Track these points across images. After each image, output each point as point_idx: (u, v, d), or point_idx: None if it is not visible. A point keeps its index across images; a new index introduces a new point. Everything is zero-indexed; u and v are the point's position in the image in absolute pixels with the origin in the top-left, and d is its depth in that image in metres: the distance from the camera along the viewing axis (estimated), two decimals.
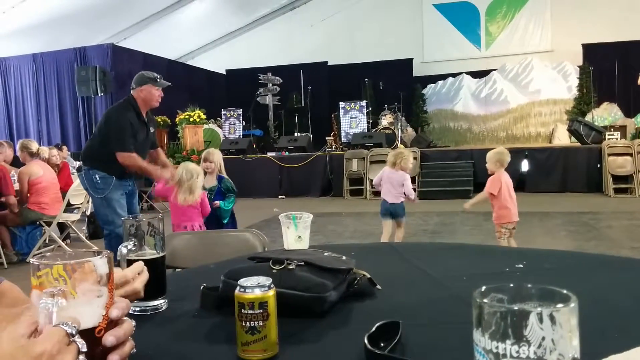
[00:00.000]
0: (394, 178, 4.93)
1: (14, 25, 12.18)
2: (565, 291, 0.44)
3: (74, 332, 0.57)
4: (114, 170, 3.81)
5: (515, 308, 0.42)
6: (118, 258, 0.99)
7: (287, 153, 11.29)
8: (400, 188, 4.90)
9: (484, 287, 0.46)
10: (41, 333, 0.57)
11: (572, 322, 0.42)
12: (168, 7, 14.05)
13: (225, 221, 4.33)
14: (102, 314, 0.62)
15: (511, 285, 0.47)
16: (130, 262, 1.03)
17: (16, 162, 5.99)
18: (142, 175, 3.96)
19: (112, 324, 0.63)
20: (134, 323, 0.67)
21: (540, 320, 0.42)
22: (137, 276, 0.89)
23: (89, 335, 0.60)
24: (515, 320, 0.43)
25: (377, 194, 10.26)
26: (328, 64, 15.05)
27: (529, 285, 0.46)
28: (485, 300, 0.44)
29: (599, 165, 9.57)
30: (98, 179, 3.78)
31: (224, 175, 4.51)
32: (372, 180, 10.22)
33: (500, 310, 0.43)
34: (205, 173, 4.23)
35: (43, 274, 0.60)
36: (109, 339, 0.61)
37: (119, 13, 13.08)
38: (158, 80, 3.86)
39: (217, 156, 4.50)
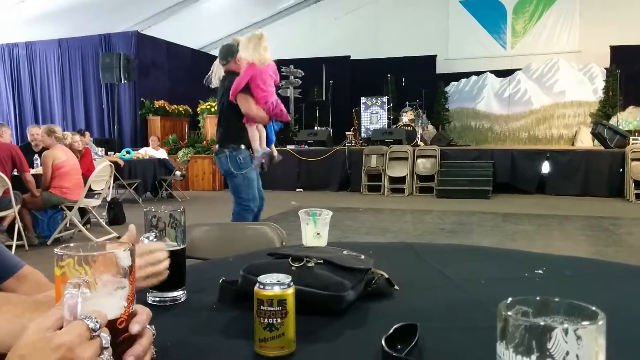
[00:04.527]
0: None
1: (41, 10, 12.33)
2: (594, 308, 0.43)
3: (96, 327, 0.57)
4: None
5: (542, 323, 0.42)
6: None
7: (306, 146, 11.30)
8: None
9: (509, 299, 0.46)
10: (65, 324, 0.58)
11: (600, 341, 0.41)
12: None
13: None
14: (124, 306, 0.63)
15: (537, 298, 0.46)
16: None
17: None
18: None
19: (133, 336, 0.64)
20: (153, 332, 0.68)
21: (566, 335, 0.42)
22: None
23: (111, 326, 0.61)
24: (540, 334, 0.42)
25: (394, 190, 10.29)
26: (351, 58, 14.98)
27: (556, 299, 0.46)
28: (510, 313, 0.44)
29: (621, 170, 9.40)
30: (242, 159, 4.16)
31: None
32: (390, 177, 10.22)
33: (525, 324, 0.43)
34: None
35: (65, 264, 0.60)
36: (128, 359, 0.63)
37: (144, 1, 13.17)
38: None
39: None
